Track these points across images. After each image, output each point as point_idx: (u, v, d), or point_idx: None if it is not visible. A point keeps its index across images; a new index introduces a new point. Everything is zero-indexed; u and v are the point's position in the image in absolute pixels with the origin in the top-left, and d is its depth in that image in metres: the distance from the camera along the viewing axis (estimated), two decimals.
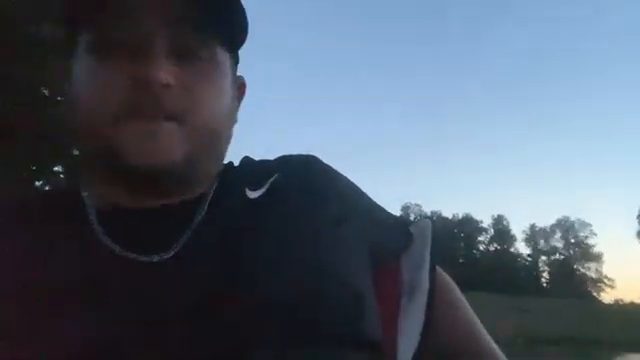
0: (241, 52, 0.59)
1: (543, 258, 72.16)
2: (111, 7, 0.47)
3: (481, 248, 70.91)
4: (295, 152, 0.64)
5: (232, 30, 0.53)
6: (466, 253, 68.39)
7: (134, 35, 0.47)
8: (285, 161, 0.61)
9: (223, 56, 0.53)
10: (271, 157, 0.63)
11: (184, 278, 0.46)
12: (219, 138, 0.54)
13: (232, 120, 0.57)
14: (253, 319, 0.44)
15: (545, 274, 71.92)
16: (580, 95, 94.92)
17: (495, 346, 0.64)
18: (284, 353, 0.43)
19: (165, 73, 0.46)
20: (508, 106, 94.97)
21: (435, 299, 0.61)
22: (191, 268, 0.47)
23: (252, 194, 0.54)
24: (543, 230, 73.20)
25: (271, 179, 0.56)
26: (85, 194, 0.54)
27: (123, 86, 0.46)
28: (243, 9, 0.51)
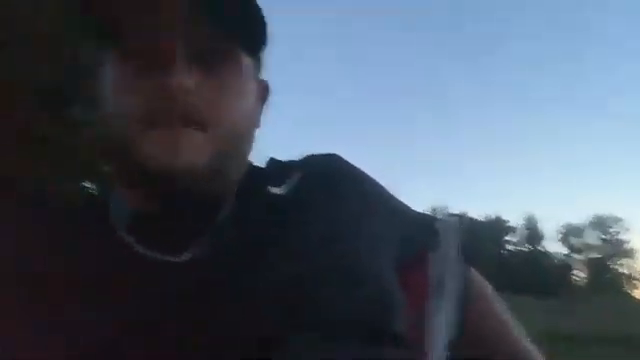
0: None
1: (577, 257, 70.32)
2: (132, 17, 0.48)
3: (511, 249, 69.58)
4: (319, 152, 0.63)
5: (252, 32, 0.53)
6: (496, 254, 67.19)
7: (154, 42, 0.48)
8: (309, 160, 0.62)
9: (245, 59, 0.53)
10: (295, 158, 0.63)
11: (208, 277, 0.47)
12: (242, 141, 0.54)
13: (255, 123, 0.57)
14: (282, 316, 0.44)
15: (580, 273, 70.04)
16: (615, 93, 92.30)
17: (533, 348, 0.62)
18: (315, 350, 0.43)
19: (185, 79, 0.46)
20: (536, 103, 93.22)
21: (466, 298, 0.60)
22: (215, 267, 0.47)
23: (275, 192, 0.55)
24: (576, 228, 71.43)
25: (295, 177, 0.56)
26: (112, 197, 0.55)
27: (145, 94, 0.47)
28: (261, 10, 0.51)
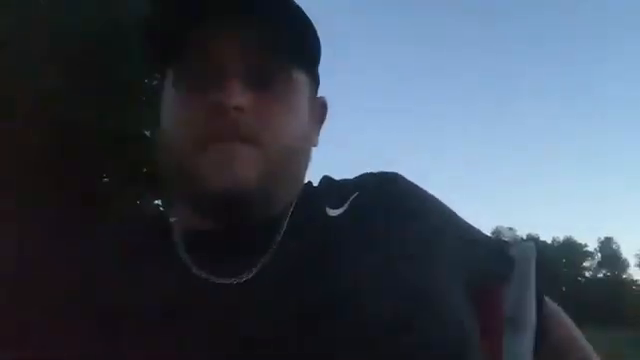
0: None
1: None
2: (191, 40, 0.48)
3: (587, 275, 64.77)
4: (377, 170, 0.60)
5: (304, 49, 0.52)
6: (570, 280, 62.77)
7: (211, 63, 0.48)
8: (367, 179, 0.58)
9: (299, 76, 0.52)
10: (352, 176, 0.60)
11: (263, 301, 0.45)
12: (296, 159, 0.53)
13: (310, 141, 0.56)
14: (341, 350, 0.41)
15: None
16: None
17: None
18: None
19: (239, 97, 0.47)
20: (610, 114, 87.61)
21: (544, 335, 0.54)
22: (271, 290, 0.46)
23: (332, 212, 0.52)
24: None
25: (352, 197, 0.54)
26: (173, 219, 0.55)
27: (201, 113, 0.47)
28: (313, 26, 0.50)
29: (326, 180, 0.59)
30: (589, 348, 0.59)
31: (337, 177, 0.61)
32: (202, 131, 0.47)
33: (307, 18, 0.49)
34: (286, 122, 0.50)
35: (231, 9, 0.47)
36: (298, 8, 0.48)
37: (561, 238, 66.20)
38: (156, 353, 0.43)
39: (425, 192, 0.59)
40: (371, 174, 0.60)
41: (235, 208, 0.49)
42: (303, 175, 0.56)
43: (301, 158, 0.54)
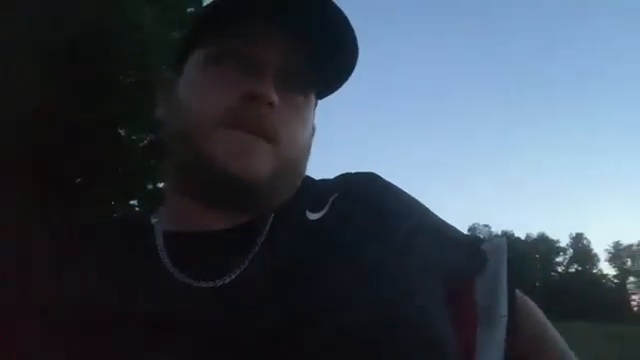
0: None
1: (632, 279, 66.21)
2: (242, 23, 0.50)
3: (560, 270, 66.32)
4: (354, 170, 0.62)
5: (333, 80, 0.56)
6: (543, 276, 64.19)
7: (252, 50, 0.50)
8: (345, 179, 0.61)
9: (313, 96, 0.56)
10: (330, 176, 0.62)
11: (242, 304, 0.45)
12: (299, 167, 0.56)
13: (308, 156, 0.58)
14: (321, 353, 0.42)
15: (636, 297, 65.81)
16: None
17: None
18: None
19: (274, 94, 0.49)
20: (580, 115, 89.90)
21: (516, 326, 0.56)
22: (250, 294, 0.46)
23: (313, 215, 0.54)
24: (629, 248, 67.43)
25: (331, 199, 0.55)
26: (155, 220, 0.55)
27: (232, 96, 0.49)
28: (355, 59, 0.53)
29: (306, 181, 0.60)
30: (559, 337, 0.61)
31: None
32: (229, 113, 0.49)
33: (356, 47, 0.52)
34: (300, 132, 0.54)
35: (285, 10, 0.48)
36: (353, 35, 0.51)
37: (534, 234, 67.71)
38: (136, 356, 0.42)
39: (402, 191, 0.61)
40: (349, 174, 0.62)
41: (243, 197, 0.50)
42: (299, 183, 0.57)
43: (303, 167, 0.57)
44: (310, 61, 0.52)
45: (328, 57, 0.52)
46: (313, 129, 0.61)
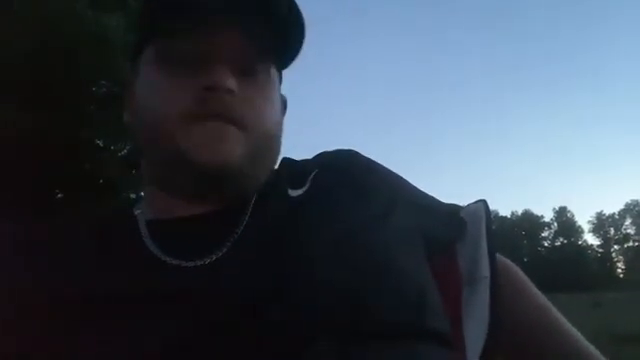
0: None
1: (616, 247, 67.86)
2: (190, 18, 0.50)
3: (546, 244, 67.57)
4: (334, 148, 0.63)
5: (288, 52, 0.56)
6: (530, 251, 65.31)
7: (205, 45, 0.51)
8: (324, 157, 0.62)
9: (274, 73, 0.56)
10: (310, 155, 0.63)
11: (229, 281, 0.46)
12: (273, 144, 0.56)
13: (281, 130, 0.58)
14: (311, 317, 0.43)
15: (620, 264, 67.51)
16: None
17: (579, 335, 0.59)
18: (348, 349, 0.42)
19: (231, 80, 0.50)
20: (562, 90, 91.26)
21: (499, 286, 0.57)
22: (236, 270, 0.47)
23: (294, 193, 0.55)
24: (612, 217, 69.02)
25: (311, 176, 0.56)
26: (138, 211, 0.56)
27: (191, 92, 0.50)
28: (304, 32, 0.54)
29: (286, 161, 0.62)
30: (541, 295, 0.63)
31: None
32: (191, 107, 0.49)
33: (302, 21, 0.52)
34: (266, 111, 0.54)
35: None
36: (298, 11, 0.51)
37: (519, 212, 68.78)
38: (124, 340, 0.43)
39: (381, 166, 0.63)
40: (329, 152, 0.63)
41: (217, 183, 0.51)
42: (276, 160, 0.58)
43: (276, 144, 0.57)
44: (261, 39, 0.52)
45: (279, 32, 0.52)
46: (284, 102, 0.61)
